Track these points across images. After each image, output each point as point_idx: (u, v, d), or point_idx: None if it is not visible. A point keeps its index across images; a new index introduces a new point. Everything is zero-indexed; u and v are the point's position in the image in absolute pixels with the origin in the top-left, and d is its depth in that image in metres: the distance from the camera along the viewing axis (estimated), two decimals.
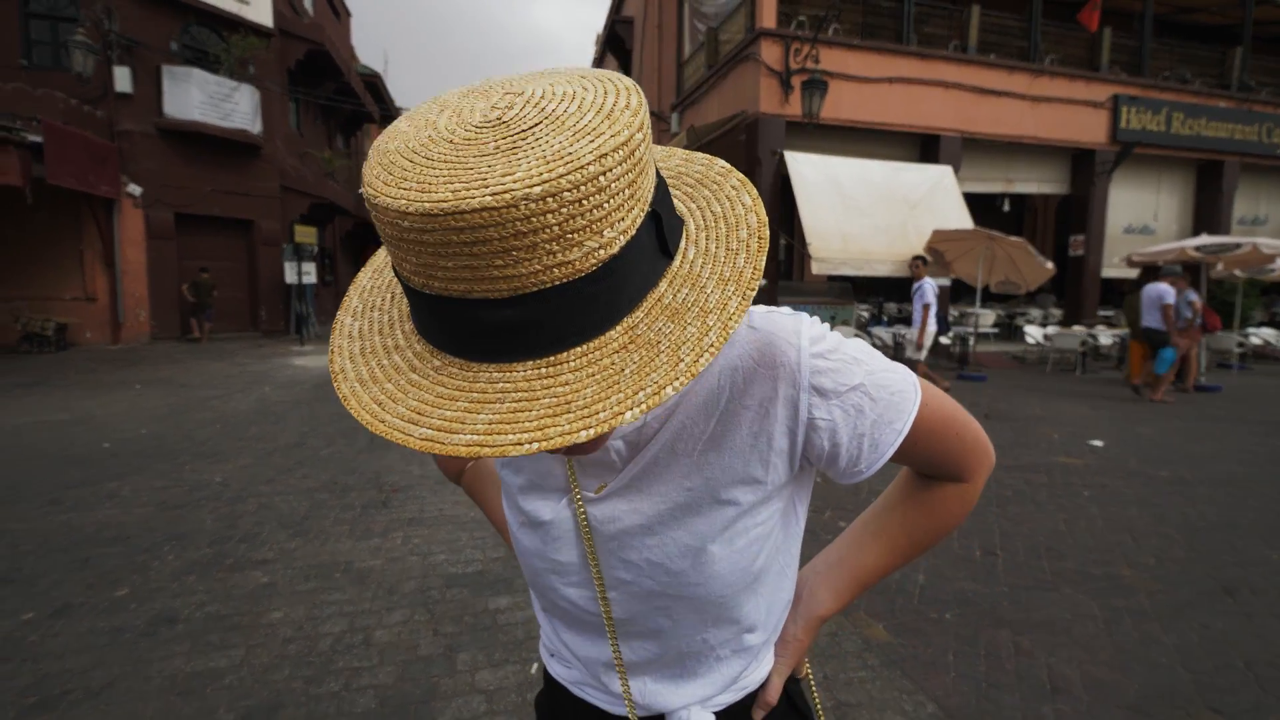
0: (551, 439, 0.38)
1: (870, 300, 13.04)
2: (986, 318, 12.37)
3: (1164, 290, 7.60)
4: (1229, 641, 2.44)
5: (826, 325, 0.58)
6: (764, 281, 9.34)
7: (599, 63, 21.04)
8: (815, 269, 9.51)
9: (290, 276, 12.14)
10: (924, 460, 0.64)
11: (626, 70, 17.47)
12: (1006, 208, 13.10)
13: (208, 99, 11.39)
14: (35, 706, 2.00)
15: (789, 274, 13.01)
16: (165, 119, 11.18)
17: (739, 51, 10.46)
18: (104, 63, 10.68)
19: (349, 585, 2.79)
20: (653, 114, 14.53)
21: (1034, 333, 10.99)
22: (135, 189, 11.19)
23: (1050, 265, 9.25)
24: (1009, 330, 13.53)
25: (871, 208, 10.22)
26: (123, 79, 10.84)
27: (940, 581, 2.91)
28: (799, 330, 0.56)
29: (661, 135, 14.32)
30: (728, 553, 0.58)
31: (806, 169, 10.18)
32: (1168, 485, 4.39)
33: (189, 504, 3.73)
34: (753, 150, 10.24)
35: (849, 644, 2.39)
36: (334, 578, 2.85)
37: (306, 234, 12.68)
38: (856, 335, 10.79)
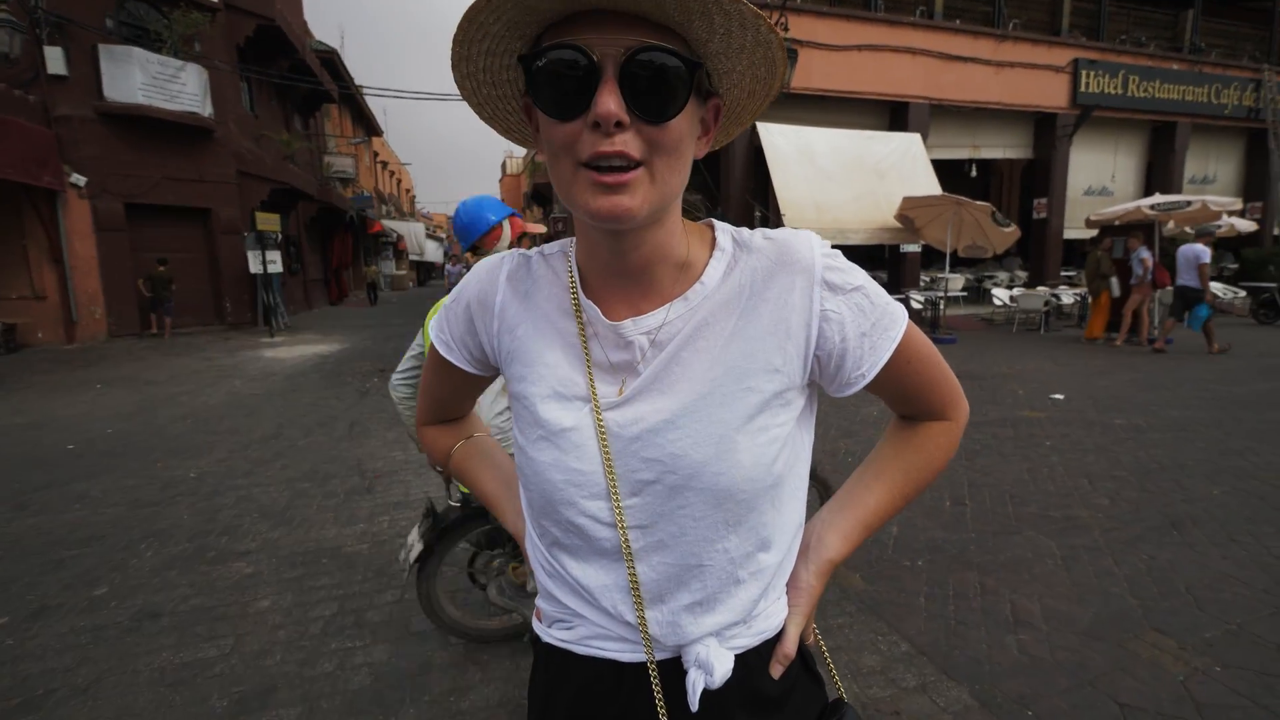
0: None
1: None
2: (956, 282, 12.64)
3: (1200, 251, 7.88)
4: (1173, 570, 2.62)
5: None
6: None
7: None
8: None
9: (255, 266, 11.75)
10: (912, 387, 0.68)
11: None
12: (974, 173, 13.31)
13: (151, 80, 10.82)
14: (19, 708, 1.99)
15: None
16: (106, 102, 10.60)
17: None
18: (32, 42, 10.06)
19: (337, 570, 2.80)
20: None
21: (1001, 295, 11.28)
22: (79, 179, 10.66)
23: (1012, 228, 9.46)
24: (978, 293, 13.85)
25: (843, 176, 10.30)
26: (55, 60, 10.21)
27: (913, 531, 3.04)
28: (810, 238, 0.64)
29: None
30: (750, 444, 0.60)
31: (779, 139, 10.19)
32: (1123, 432, 4.61)
33: (164, 501, 3.67)
34: None
35: (828, 594, 2.49)
36: (321, 563, 2.86)
37: (269, 221, 12.28)
38: None
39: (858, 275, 0.63)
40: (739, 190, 10.47)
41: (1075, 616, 2.31)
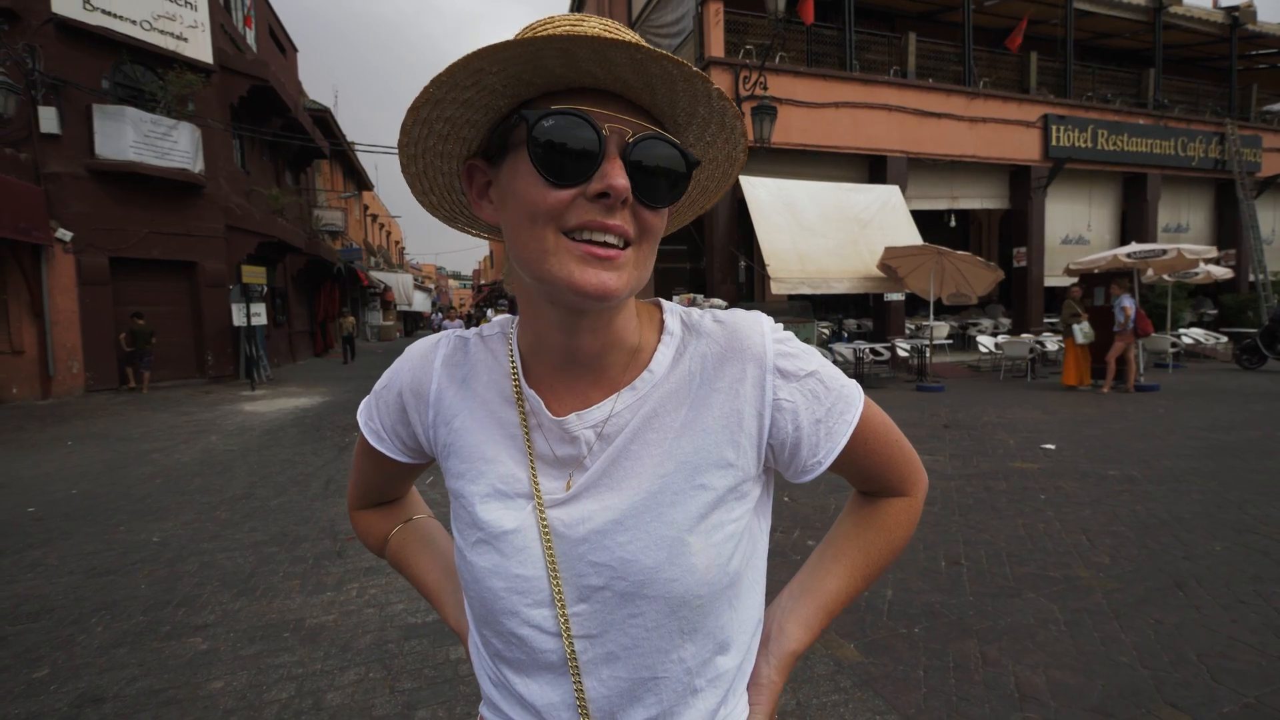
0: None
1: (830, 317, 13.35)
2: (941, 329, 12.78)
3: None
4: (1182, 635, 2.50)
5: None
6: (724, 303, 9.44)
7: None
8: (774, 289, 9.69)
9: (239, 319, 11.68)
10: (871, 467, 0.65)
11: None
12: (953, 223, 13.66)
13: (143, 138, 11.00)
14: None
15: (750, 295, 13.21)
16: (97, 160, 10.73)
17: None
18: (27, 102, 10.23)
19: (298, 645, 2.61)
20: None
21: (986, 342, 11.38)
22: (65, 234, 10.67)
23: (993, 267, 9.62)
24: (962, 340, 13.98)
25: (825, 227, 10.51)
26: (48, 119, 10.38)
27: (908, 595, 2.91)
28: (760, 321, 0.61)
29: None
30: (704, 545, 0.57)
31: (761, 192, 10.43)
32: (1117, 484, 4.53)
33: (121, 568, 3.47)
34: None
35: (820, 667, 2.35)
36: (282, 638, 2.68)
37: (255, 274, 12.28)
38: (819, 351, 10.99)
39: (811, 360, 0.61)
40: (723, 242, 10.64)
41: (1084, 690, 2.18)
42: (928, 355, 10.49)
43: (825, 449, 0.60)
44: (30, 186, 10.15)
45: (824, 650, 2.45)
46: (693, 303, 10.06)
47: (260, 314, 11.84)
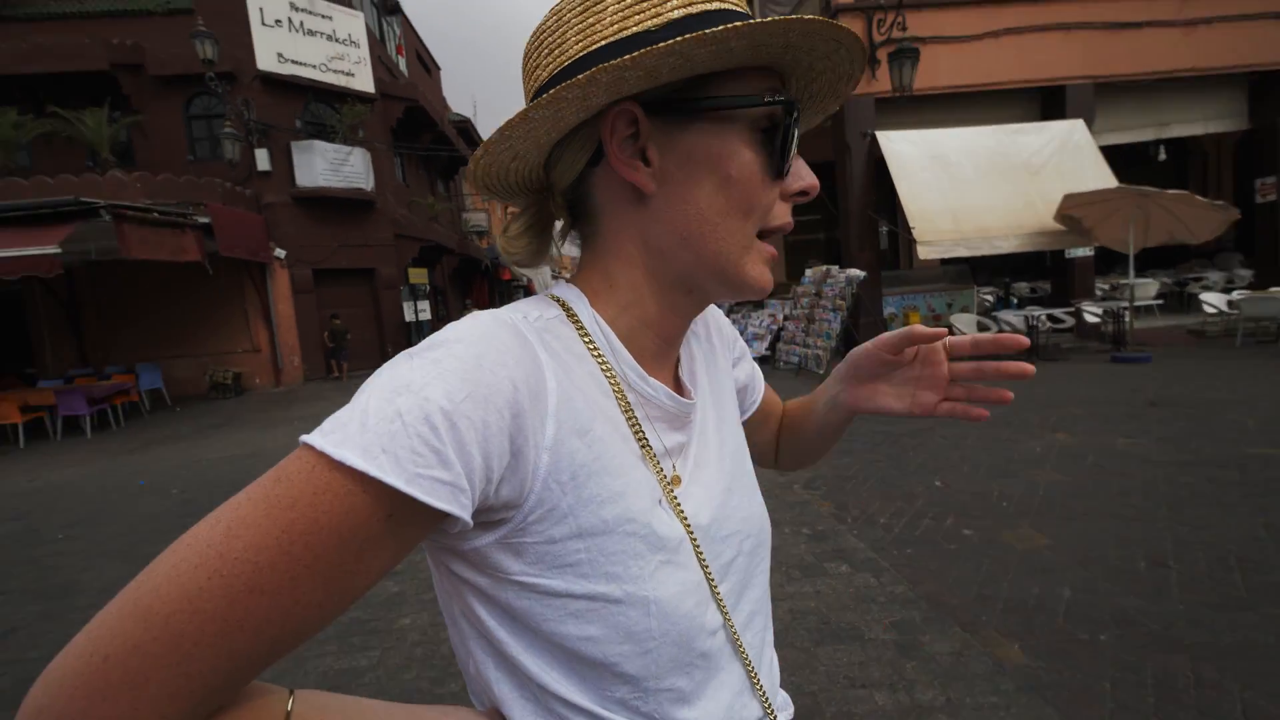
0: None
1: (997, 281, 11.71)
2: (1148, 288, 10.58)
3: None
4: None
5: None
6: (862, 274, 8.69)
7: None
8: (922, 253, 8.67)
9: (408, 315, 13.40)
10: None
11: None
12: (1161, 156, 11.18)
13: (328, 165, 12.89)
14: None
15: (894, 263, 12.04)
16: (297, 188, 12.80)
17: None
18: (247, 147, 12.46)
19: None
20: None
21: (1214, 300, 9.19)
22: (280, 252, 12.89)
23: (1224, 206, 7.70)
24: (1180, 300, 11.48)
25: (984, 179, 9.17)
26: (262, 159, 12.60)
27: (1091, 597, 2.49)
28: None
29: None
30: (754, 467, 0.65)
31: (903, 146, 9.38)
32: None
33: None
34: (840, 136, 9.63)
35: (977, 665, 2.12)
36: None
37: (419, 275, 13.94)
38: (979, 321, 9.71)
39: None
40: (859, 207, 9.76)
41: None
42: (1127, 320, 8.74)
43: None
44: (256, 216, 12.38)
45: (980, 647, 2.22)
46: (827, 274, 9.39)
47: (425, 309, 13.44)
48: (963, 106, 10.05)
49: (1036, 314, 8.80)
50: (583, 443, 0.44)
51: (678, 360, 0.59)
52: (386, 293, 14.28)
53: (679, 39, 0.41)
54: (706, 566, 0.51)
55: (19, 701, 0.33)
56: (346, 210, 13.44)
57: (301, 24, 13.01)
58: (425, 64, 21.63)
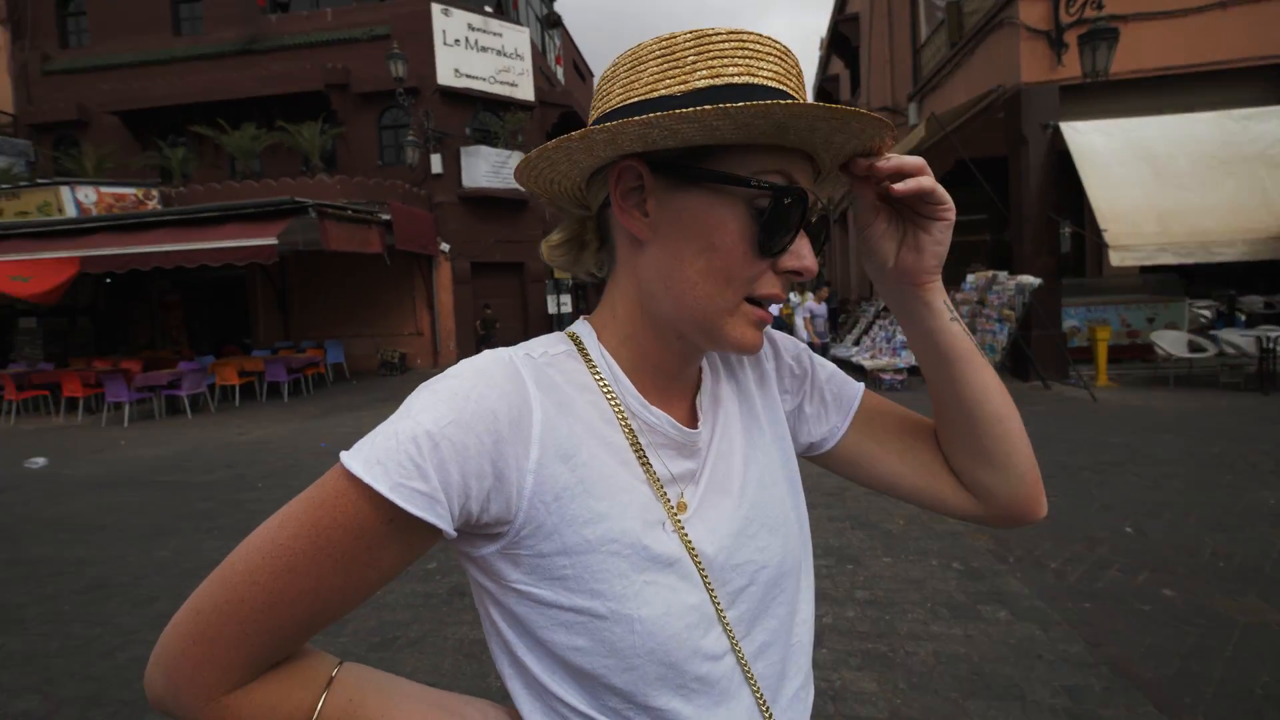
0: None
1: (1218, 293, 9.79)
2: None
3: None
4: None
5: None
6: (1037, 281, 7.74)
7: (824, 67, 20.13)
8: (1116, 259, 7.50)
9: (552, 308, 14.24)
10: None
11: (854, 70, 16.35)
12: None
13: (490, 168, 14.03)
14: (378, 645, 2.72)
15: (1079, 269, 10.56)
16: (463, 189, 14.07)
17: (991, 18, 8.98)
18: (425, 153, 13.90)
19: None
20: (887, 109, 13.35)
21: None
22: (445, 247, 14.24)
23: None
24: None
25: (1203, 175, 7.76)
26: (436, 163, 14.04)
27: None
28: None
29: (899, 128, 13.01)
30: (796, 499, 0.64)
31: (1095, 138, 8.20)
32: None
33: None
34: (1015, 128, 8.63)
35: (1098, 681, 1.96)
36: None
37: (562, 271, 14.72)
38: (1191, 340, 8.20)
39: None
40: (1036, 206, 8.67)
41: None
42: None
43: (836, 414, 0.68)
44: (427, 214, 13.78)
45: (1104, 666, 1.92)
46: (993, 280, 8.47)
47: (567, 303, 14.19)
48: (1173, 91, 8.54)
49: (1274, 335, 7.26)
50: (566, 467, 0.49)
51: (698, 388, 0.61)
52: (533, 285, 15.26)
53: (656, 114, 0.45)
54: (712, 591, 0.53)
55: None
56: (503, 209, 14.55)
57: (476, 41, 14.29)
58: (580, 72, 22.91)
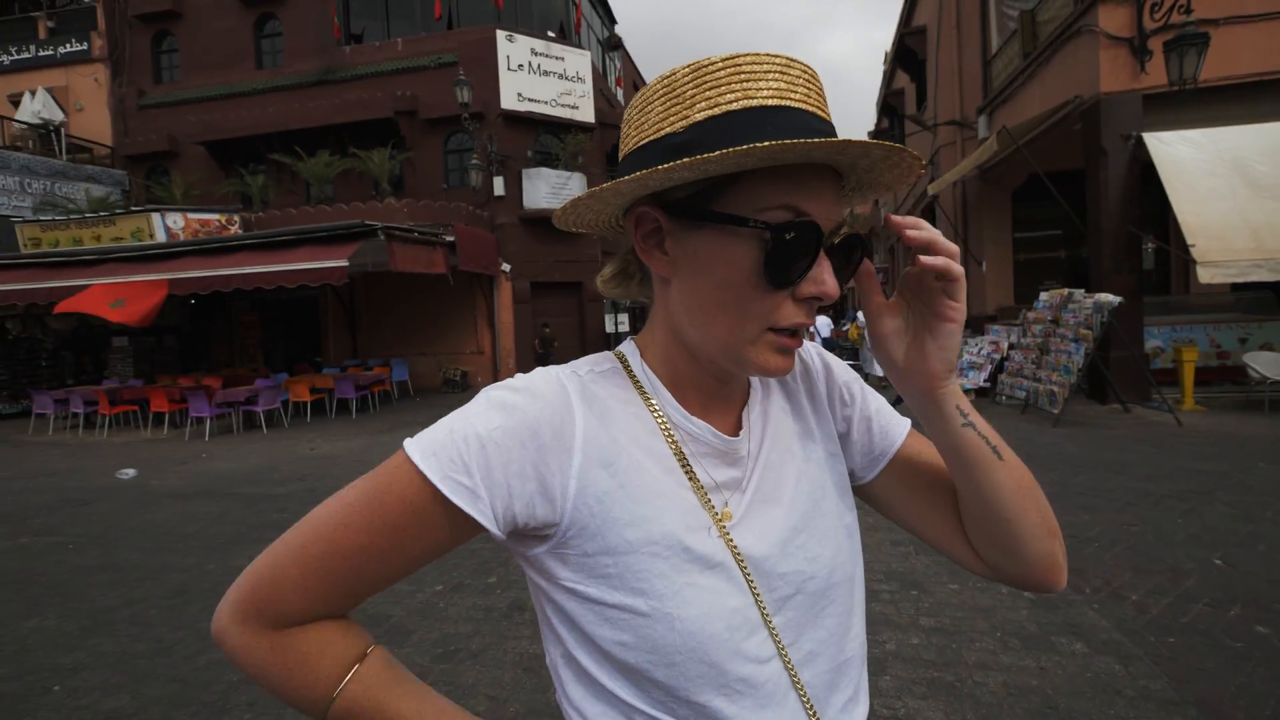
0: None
1: None
2: None
3: None
4: None
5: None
6: (1118, 299, 7.31)
7: (889, 80, 19.73)
8: (1204, 276, 7.02)
9: (609, 327, 14.41)
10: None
11: (920, 83, 15.97)
12: None
13: (550, 189, 14.41)
14: (440, 656, 2.80)
15: (1162, 287, 9.90)
16: (524, 210, 14.48)
17: (1068, 27, 8.63)
18: (488, 176, 14.40)
19: None
20: (954, 122, 12.96)
21: None
22: (506, 267, 14.65)
23: None
24: None
25: None
26: (498, 185, 14.53)
27: None
28: None
29: (968, 142, 12.60)
30: (854, 519, 0.64)
31: (1182, 149, 7.73)
32: None
33: None
34: (1094, 139, 8.23)
35: (1149, 694, 1.71)
36: None
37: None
38: None
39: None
40: (1115, 220, 8.20)
41: None
42: None
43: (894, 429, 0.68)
44: (490, 235, 14.24)
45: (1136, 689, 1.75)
46: (1068, 298, 8.04)
47: (624, 321, 14.35)
48: (1269, 97, 7.97)
49: None
50: (607, 472, 0.53)
51: (745, 402, 0.63)
52: (591, 305, 15.49)
53: (643, 172, 0.48)
54: (758, 596, 0.55)
55: None
56: (561, 230, 14.86)
57: (538, 66, 14.78)
58: None
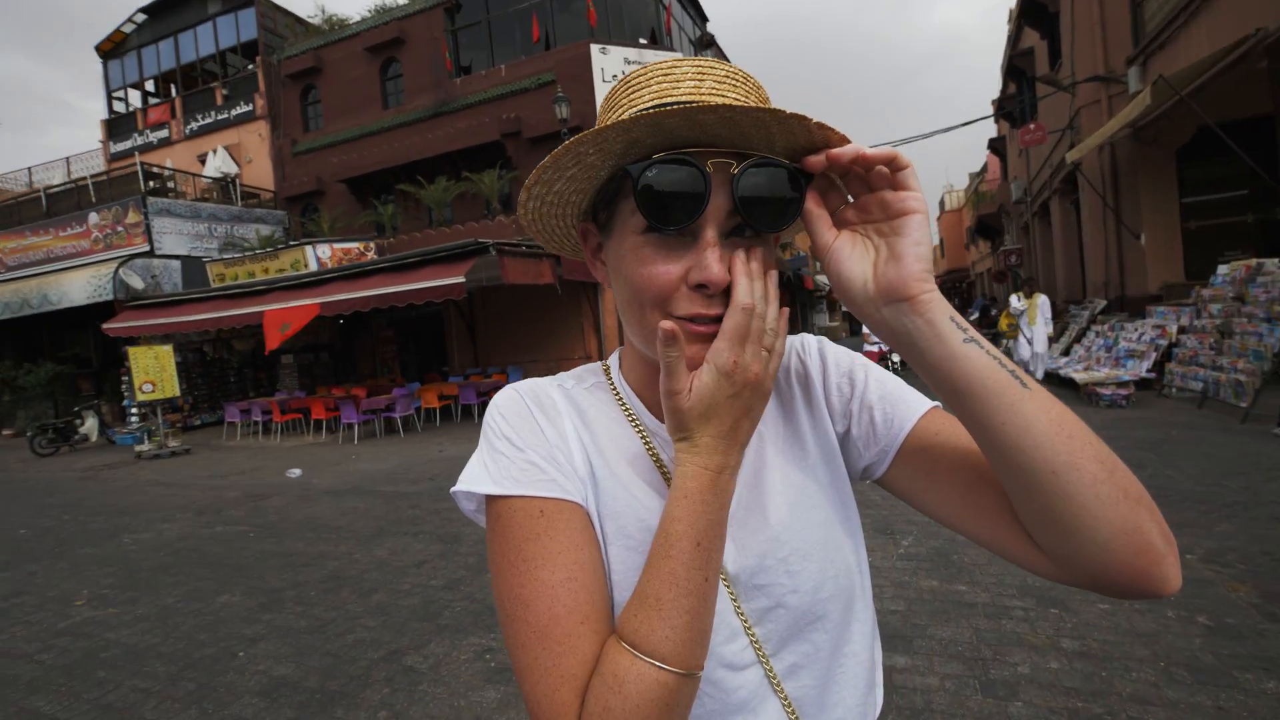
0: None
1: None
2: None
3: None
4: None
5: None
6: None
7: (1014, 41, 17.90)
8: None
9: None
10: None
11: (1054, 39, 14.35)
12: None
13: None
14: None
15: None
16: None
17: None
18: None
19: None
20: (1098, 78, 11.51)
21: None
22: None
23: None
24: None
25: None
26: None
27: None
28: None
29: (1115, 99, 11.16)
30: (848, 526, 0.63)
31: None
32: None
33: None
34: None
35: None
36: None
37: None
38: None
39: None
40: None
41: None
42: None
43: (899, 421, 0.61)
44: None
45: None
46: (1257, 270, 6.89)
47: None
48: None
49: None
50: (599, 458, 0.59)
51: None
52: None
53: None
54: (737, 604, 0.56)
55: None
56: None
57: None
58: None
